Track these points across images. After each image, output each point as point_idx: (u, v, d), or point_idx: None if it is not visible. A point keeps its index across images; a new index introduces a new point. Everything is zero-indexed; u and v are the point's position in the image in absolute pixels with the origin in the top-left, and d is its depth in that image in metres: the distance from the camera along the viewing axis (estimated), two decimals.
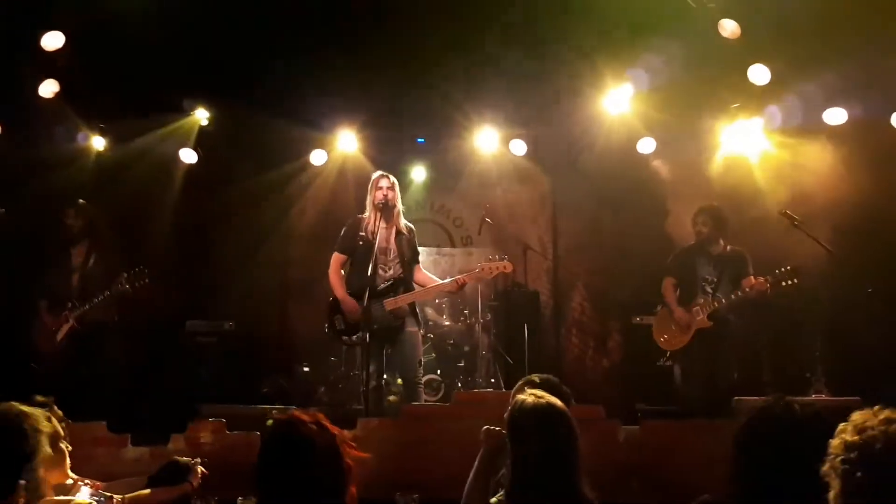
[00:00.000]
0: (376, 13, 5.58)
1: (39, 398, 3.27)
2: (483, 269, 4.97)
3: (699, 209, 5.61)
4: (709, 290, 5.44)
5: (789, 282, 5.07)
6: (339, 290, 5.03)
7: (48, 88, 5.79)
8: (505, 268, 4.97)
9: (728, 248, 5.52)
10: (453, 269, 7.26)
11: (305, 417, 1.91)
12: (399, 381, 5.23)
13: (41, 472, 2.20)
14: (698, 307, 5.39)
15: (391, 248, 5.08)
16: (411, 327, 5.02)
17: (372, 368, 4.91)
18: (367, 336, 4.79)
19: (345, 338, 5.08)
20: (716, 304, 5.33)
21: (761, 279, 5.16)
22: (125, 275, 5.30)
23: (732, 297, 5.28)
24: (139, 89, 6.04)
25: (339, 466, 1.89)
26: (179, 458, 3.30)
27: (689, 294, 5.52)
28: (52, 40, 5.50)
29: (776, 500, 1.88)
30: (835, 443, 1.64)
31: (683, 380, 5.54)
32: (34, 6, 5.33)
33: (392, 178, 5.17)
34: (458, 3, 5.55)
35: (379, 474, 3.25)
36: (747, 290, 5.20)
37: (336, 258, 5.14)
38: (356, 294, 4.97)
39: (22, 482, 2.10)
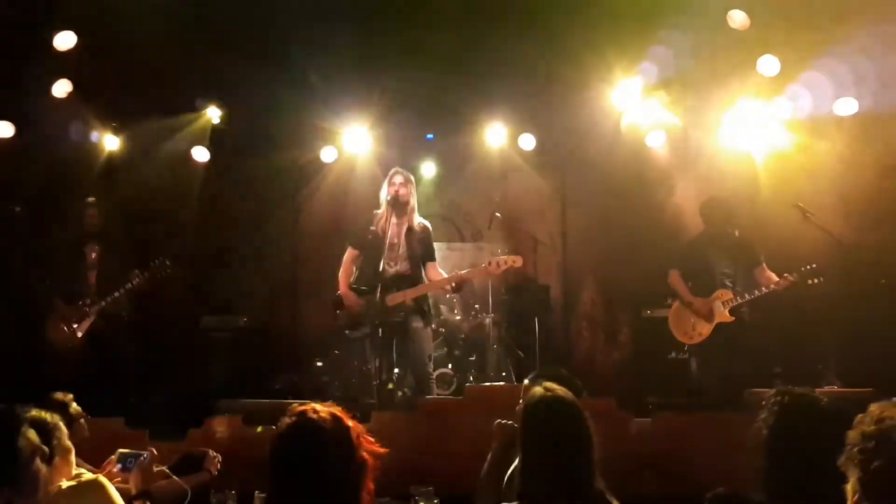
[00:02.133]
0: (386, 10, 5.59)
1: (58, 396, 3.34)
2: (492, 265, 4.94)
3: (707, 200, 5.57)
4: (729, 283, 5.34)
5: (815, 280, 5.02)
6: (343, 285, 5.15)
7: (61, 88, 5.84)
8: (514, 262, 4.95)
9: (737, 234, 5.45)
10: (463, 263, 7.23)
11: (321, 409, 1.91)
12: (410, 376, 5.24)
13: (31, 470, 2.21)
14: (720, 302, 5.30)
15: (401, 244, 5.11)
16: (417, 324, 5.01)
17: (381, 363, 4.94)
18: (378, 331, 4.84)
19: (347, 332, 5.16)
20: (739, 299, 5.24)
21: (788, 277, 5.08)
22: (137, 271, 5.37)
23: (756, 292, 5.20)
24: (151, 88, 6.08)
25: (356, 460, 1.87)
26: (193, 449, 3.34)
27: (706, 287, 5.40)
28: (65, 40, 5.55)
29: (803, 493, 1.90)
30: (852, 433, 1.65)
31: (700, 373, 5.47)
32: (46, 6, 5.37)
33: (407, 174, 5.19)
34: None
35: (393, 468, 3.27)
36: (772, 286, 5.13)
37: (348, 253, 5.23)
38: (362, 288, 5.04)
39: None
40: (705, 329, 5.34)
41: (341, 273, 5.19)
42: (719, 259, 5.42)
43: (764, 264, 5.30)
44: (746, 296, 5.23)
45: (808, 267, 5.04)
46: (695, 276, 5.48)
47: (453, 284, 5.07)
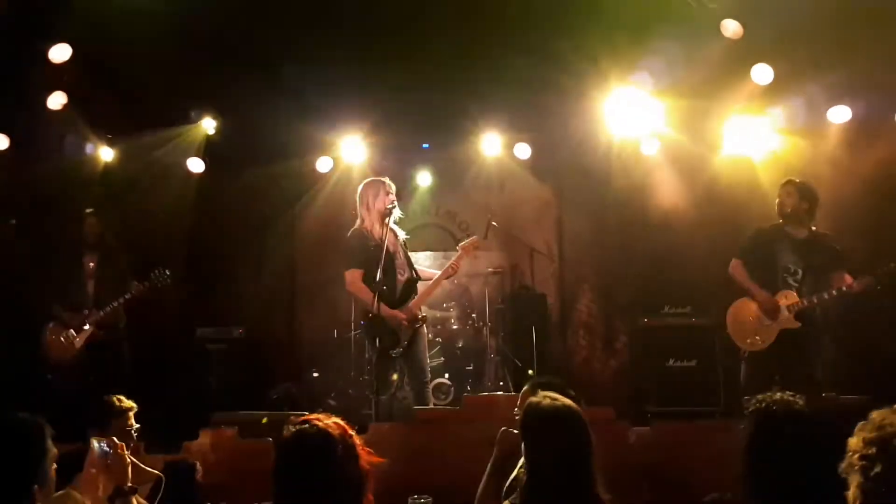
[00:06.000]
0: (381, 19, 5.61)
1: (124, 403, 3.53)
2: (462, 249, 5.13)
3: (785, 182, 4.98)
4: (791, 282, 4.80)
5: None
6: (384, 307, 4.76)
7: (56, 100, 5.84)
8: (473, 242, 5.18)
9: (814, 230, 4.89)
10: (459, 272, 7.26)
11: (325, 419, 1.91)
12: (408, 384, 5.24)
13: (51, 473, 2.26)
14: (784, 306, 4.74)
15: (399, 253, 5.11)
16: (423, 328, 5.09)
17: (395, 376, 4.91)
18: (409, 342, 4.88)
19: (392, 353, 4.88)
20: (805, 302, 4.69)
21: (868, 279, 4.53)
22: (138, 282, 5.37)
23: (825, 295, 4.65)
24: (146, 100, 6.09)
25: (358, 469, 1.89)
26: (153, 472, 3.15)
27: (766, 284, 4.86)
28: (60, 53, 5.55)
29: (786, 498, 1.90)
30: (853, 440, 1.66)
31: (751, 383, 4.81)
32: (41, 19, 5.38)
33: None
34: (461, 8, 5.57)
35: (391, 478, 3.26)
36: (844, 288, 4.59)
37: (358, 274, 4.91)
38: (392, 305, 4.92)
39: (36, 487, 2.16)
40: (769, 334, 4.77)
41: (364, 295, 4.86)
42: (786, 252, 4.86)
43: (845, 270, 4.71)
44: (814, 299, 4.68)
45: (891, 265, 4.49)
46: (758, 270, 4.91)
47: (455, 270, 5.10)
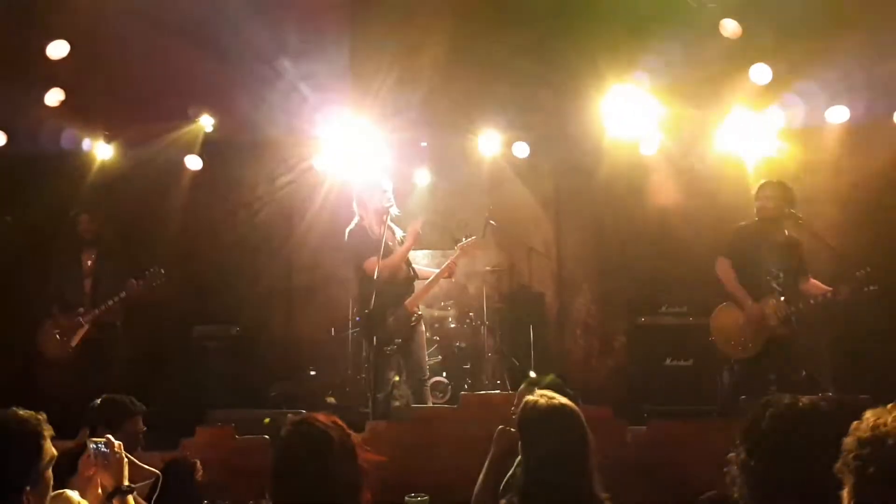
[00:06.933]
0: (379, 18, 5.61)
1: (137, 406, 3.54)
2: (461, 249, 5.20)
3: (764, 183, 4.92)
4: (775, 285, 4.70)
5: (870, 287, 4.51)
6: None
7: (53, 97, 5.83)
8: (471, 242, 5.29)
9: (787, 233, 4.88)
10: (458, 271, 7.26)
11: (322, 417, 1.92)
12: (406, 382, 5.24)
13: (47, 474, 2.25)
14: (772, 313, 4.65)
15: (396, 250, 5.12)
16: (420, 326, 5.10)
17: (394, 375, 4.92)
18: (400, 342, 4.89)
19: (386, 349, 4.92)
20: (792, 308, 4.62)
21: (843, 287, 4.57)
22: (134, 280, 5.36)
23: (812, 302, 4.63)
24: (144, 97, 6.08)
25: (356, 467, 1.90)
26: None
27: (752, 287, 4.74)
28: (57, 49, 5.55)
29: (782, 496, 1.90)
30: (848, 440, 1.65)
31: (746, 387, 4.71)
32: (39, 16, 5.37)
33: None
34: (459, 6, 5.57)
35: (388, 477, 3.26)
36: (829, 296, 4.58)
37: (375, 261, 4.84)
38: (389, 302, 4.93)
39: (27, 488, 2.13)
40: (757, 341, 4.69)
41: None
42: (769, 254, 4.76)
43: (810, 275, 4.79)
44: (801, 305, 4.63)
45: (862, 272, 4.52)
46: (739, 269, 4.79)
47: (452, 271, 5.17)
